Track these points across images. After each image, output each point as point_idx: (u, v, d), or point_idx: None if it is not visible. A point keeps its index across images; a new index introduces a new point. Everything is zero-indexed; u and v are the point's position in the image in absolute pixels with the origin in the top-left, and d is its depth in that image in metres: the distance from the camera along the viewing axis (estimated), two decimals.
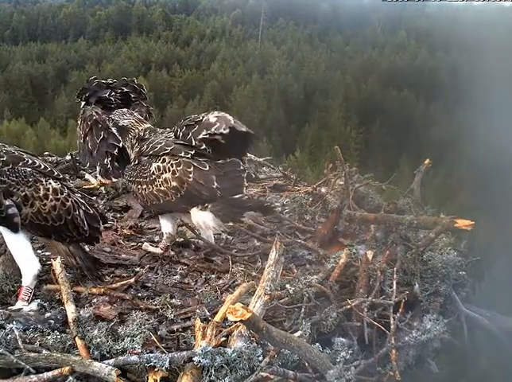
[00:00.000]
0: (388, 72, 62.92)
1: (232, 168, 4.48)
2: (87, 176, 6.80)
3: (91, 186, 6.49)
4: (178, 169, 4.46)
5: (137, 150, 4.83)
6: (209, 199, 4.47)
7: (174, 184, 4.48)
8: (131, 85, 6.56)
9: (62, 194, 4.16)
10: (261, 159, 7.59)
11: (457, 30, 62.97)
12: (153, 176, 4.56)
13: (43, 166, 4.17)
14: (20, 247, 4.09)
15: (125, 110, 5.16)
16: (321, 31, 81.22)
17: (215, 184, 4.41)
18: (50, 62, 66.72)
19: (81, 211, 4.26)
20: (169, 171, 4.49)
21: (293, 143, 50.18)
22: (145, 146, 4.72)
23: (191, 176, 4.43)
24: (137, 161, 4.77)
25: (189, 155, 4.47)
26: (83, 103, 6.55)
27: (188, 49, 72.95)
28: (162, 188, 4.53)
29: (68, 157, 7.23)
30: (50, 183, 4.12)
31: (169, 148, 4.54)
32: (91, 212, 4.36)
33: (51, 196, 4.09)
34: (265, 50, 70.65)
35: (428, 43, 71.32)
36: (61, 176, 4.29)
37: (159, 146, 4.61)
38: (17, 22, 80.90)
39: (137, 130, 4.89)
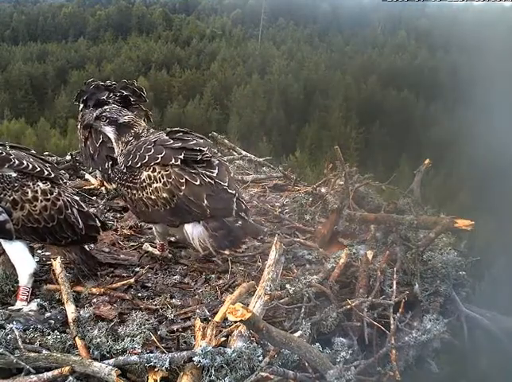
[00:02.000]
0: (388, 72, 62.88)
1: (222, 187, 4.40)
2: (87, 176, 6.80)
3: (91, 186, 6.49)
4: (169, 180, 4.38)
5: (130, 148, 4.66)
6: (199, 216, 4.41)
7: (165, 195, 4.39)
8: (131, 88, 6.54)
9: (52, 194, 4.12)
10: (261, 159, 7.60)
11: (457, 30, 62.90)
12: (144, 183, 4.46)
13: (31, 166, 4.10)
14: (14, 246, 4.08)
15: (117, 107, 5.02)
16: (321, 31, 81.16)
17: (205, 201, 4.35)
18: (50, 62, 66.66)
19: (74, 210, 4.22)
20: (160, 182, 4.40)
21: (293, 143, 50.18)
22: (134, 155, 4.55)
23: (182, 188, 4.36)
24: (126, 165, 4.60)
25: (179, 162, 4.37)
26: (81, 106, 6.54)
27: (188, 49, 72.88)
28: (152, 196, 4.44)
29: (68, 157, 7.23)
30: (38, 185, 4.08)
31: (160, 156, 4.42)
32: (85, 210, 4.33)
33: (40, 198, 4.06)
34: (265, 50, 70.59)
35: (428, 43, 71.29)
36: (52, 175, 4.21)
37: (147, 155, 4.46)
38: (17, 22, 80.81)
39: (139, 127, 4.77)
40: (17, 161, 4.06)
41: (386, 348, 3.67)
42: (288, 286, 3.94)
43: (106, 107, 4.98)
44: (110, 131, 4.82)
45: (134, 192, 4.55)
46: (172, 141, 4.55)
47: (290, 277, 4.37)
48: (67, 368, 3.17)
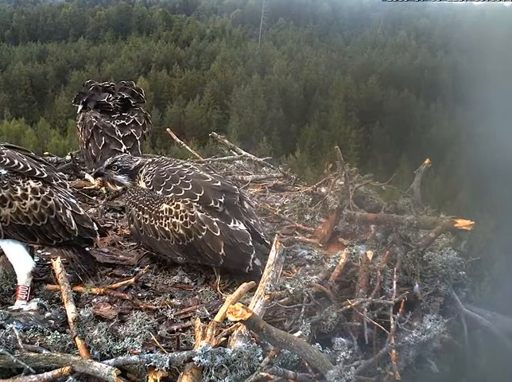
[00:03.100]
0: (388, 72, 62.89)
1: (242, 241, 4.37)
2: (87, 176, 6.79)
3: (91, 186, 6.48)
4: (192, 223, 4.33)
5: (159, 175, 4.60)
6: (210, 261, 4.41)
7: (181, 232, 4.35)
8: (129, 89, 6.54)
9: (43, 193, 4.07)
10: (261, 159, 7.60)
11: (457, 30, 62.99)
12: (161, 214, 4.40)
13: (22, 166, 4.06)
14: (11, 246, 4.07)
15: (128, 155, 5.04)
16: (321, 31, 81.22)
17: (222, 251, 4.32)
18: (50, 62, 66.66)
19: (67, 211, 4.17)
20: (180, 219, 4.35)
21: (293, 143, 50.23)
22: (168, 185, 4.48)
23: (202, 234, 4.32)
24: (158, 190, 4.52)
25: (205, 213, 4.33)
26: (80, 108, 6.54)
27: (188, 49, 72.86)
28: (166, 228, 4.39)
29: (68, 157, 7.22)
30: (28, 183, 4.04)
31: (198, 195, 4.39)
32: (82, 213, 4.29)
33: (30, 196, 4.01)
34: (265, 50, 70.61)
35: (428, 43, 71.38)
36: (45, 175, 4.16)
37: (184, 189, 4.41)
38: (17, 22, 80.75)
39: (150, 159, 4.85)
40: (7, 160, 4.03)
41: (386, 348, 3.67)
42: (288, 286, 3.93)
43: (117, 156, 4.93)
44: (123, 179, 4.81)
45: (146, 216, 4.47)
46: (210, 178, 4.54)
47: (290, 277, 4.37)
48: (67, 368, 3.17)
